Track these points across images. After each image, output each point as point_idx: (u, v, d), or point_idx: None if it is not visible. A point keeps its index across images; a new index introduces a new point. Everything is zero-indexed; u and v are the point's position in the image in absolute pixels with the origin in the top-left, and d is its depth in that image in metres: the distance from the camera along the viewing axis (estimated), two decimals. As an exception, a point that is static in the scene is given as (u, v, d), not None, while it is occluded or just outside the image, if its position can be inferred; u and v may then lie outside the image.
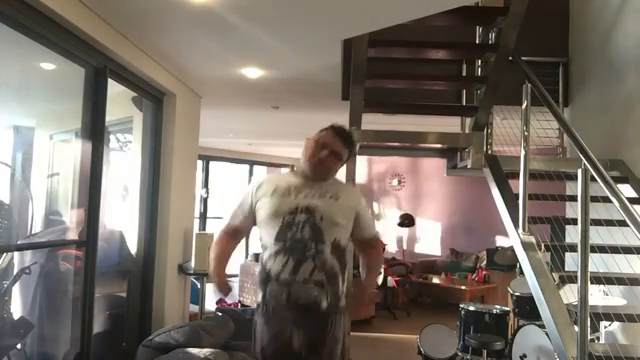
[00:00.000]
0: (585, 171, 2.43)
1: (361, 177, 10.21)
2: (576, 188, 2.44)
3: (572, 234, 2.86)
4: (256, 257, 7.70)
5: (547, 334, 3.22)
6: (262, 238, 2.28)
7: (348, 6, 2.85)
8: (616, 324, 3.12)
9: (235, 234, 2.42)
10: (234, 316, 5.22)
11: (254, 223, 2.35)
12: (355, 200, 2.37)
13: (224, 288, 2.33)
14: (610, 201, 2.45)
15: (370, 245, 2.51)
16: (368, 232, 2.45)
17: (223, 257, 2.36)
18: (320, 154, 2.26)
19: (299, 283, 2.15)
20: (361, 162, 9.78)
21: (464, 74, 4.30)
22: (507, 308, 4.47)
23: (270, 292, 2.20)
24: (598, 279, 2.81)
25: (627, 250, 2.79)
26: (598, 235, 2.83)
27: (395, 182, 10.02)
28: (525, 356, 3.87)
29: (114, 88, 3.48)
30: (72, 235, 3.44)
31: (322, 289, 2.18)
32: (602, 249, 2.76)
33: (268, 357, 2.23)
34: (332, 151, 2.27)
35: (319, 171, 2.29)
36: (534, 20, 3.64)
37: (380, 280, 7.33)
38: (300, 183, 2.28)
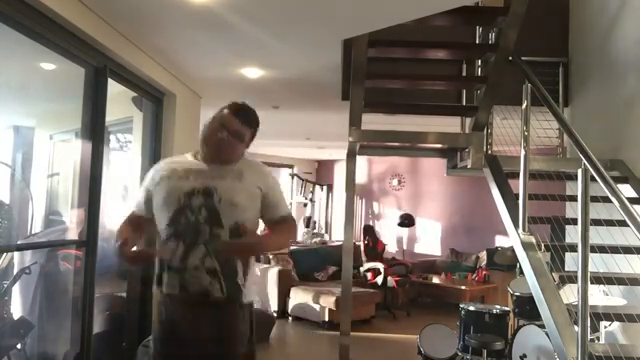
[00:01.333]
0: (585, 171, 2.43)
1: (361, 177, 10.22)
2: (576, 188, 2.44)
3: (572, 234, 2.86)
4: (256, 257, 7.68)
5: (547, 334, 3.22)
6: (157, 223, 2.10)
7: (348, 6, 2.85)
8: (616, 324, 3.12)
9: (136, 221, 2.22)
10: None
11: (151, 211, 2.16)
12: (261, 179, 2.15)
13: (135, 256, 2.11)
14: (610, 201, 2.45)
15: (280, 223, 2.20)
16: (278, 212, 2.18)
17: (127, 231, 2.15)
18: (218, 135, 2.08)
19: (190, 270, 1.98)
20: (361, 162, 9.79)
21: (464, 74, 4.30)
22: (507, 308, 4.47)
23: (164, 282, 2.04)
24: (598, 279, 2.81)
25: (627, 250, 2.79)
26: (598, 235, 2.83)
27: (395, 182, 10.02)
28: (525, 356, 3.87)
29: (114, 88, 3.48)
30: (72, 235, 3.44)
31: (214, 278, 1.98)
32: (602, 249, 2.76)
33: (160, 351, 2.07)
34: (231, 131, 2.09)
35: (218, 153, 2.10)
36: (534, 20, 3.64)
37: (380, 280, 7.34)
38: (200, 166, 2.11)
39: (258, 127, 2.27)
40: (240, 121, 2.14)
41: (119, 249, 2.04)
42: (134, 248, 2.11)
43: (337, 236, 10.49)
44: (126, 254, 2.03)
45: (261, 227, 2.24)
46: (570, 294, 2.76)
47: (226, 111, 2.15)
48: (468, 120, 4.14)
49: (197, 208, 2.01)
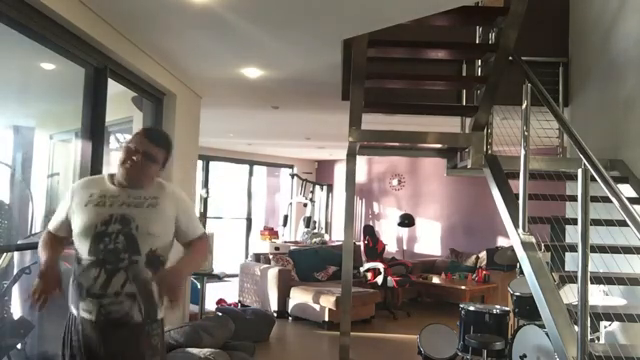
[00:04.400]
0: (585, 171, 2.43)
1: (361, 177, 10.22)
2: (576, 188, 2.44)
3: (572, 234, 2.86)
4: (257, 257, 7.70)
5: (547, 334, 3.22)
6: (76, 249, 2.13)
7: (348, 6, 2.85)
8: (616, 324, 3.12)
9: (57, 239, 2.25)
10: (234, 316, 5.23)
11: (69, 232, 2.19)
12: (175, 204, 2.23)
13: (49, 279, 2.10)
14: (610, 201, 2.45)
15: (193, 244, 2.31)
16: (191, 234, 2.29)
17: (51, 255, 2.18)
18: (131, 159, 2.12)
19: (110, 296, 2.03)
20: (361, 162, 9.79)
21: (464, 74, 4.30)
22: (507, 308, 4.47)
23: (82, 308, 2.07)
24: (598, 279, 2.81)
25: (627, 250, 2.79)
26: (598, 235, 2.83)
27: (395, 182, 10.02)
28: (525, 356, 3.87)
29: (114, 88, 3.48)
30: (72, 235, 3.44)
31: (134, 302, 2.06)
32: (602, 249, 2.76)
33: None
34: (144, 154, 2.13)
35: (133, 177, 2.14)
36: (534, 20, 3.65)
37: (380, 280, 7.34)
38: (116, 191, 2.15)
39: (171, 149, 2.30)
40: (152, 142, 2.18)
41: (44, 272, 2.10)
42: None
43: (337, 236, 10.49)
44: (45, 277, 2.09)
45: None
46: (570, 294, 2.76)
47: (139, 135, 2.22)
48: (468, 120, 4.14)
49: (114, 235, 2.07)
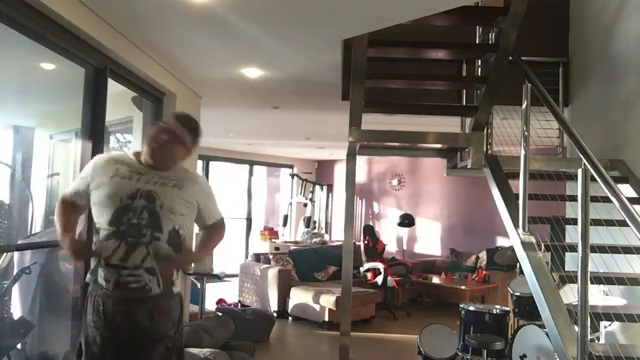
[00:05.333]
0: (585, 171, 2.43)
1: (361, 177, 10.22)
2: (576, 188, 2.44)
3: (572, 234, 2.86)
4: (257, 257, 7.70)
5: (547, 334, 3.22)
6: (96, 219, 2.16)
7: (348, 6, 2.85)
8: (616, 324, 3.12)
9: (73, 206, 2.29)
10: (234, 316, 5.23)
11: (88, 202, 2.24)
12: (197, 190, 2.30)
13: (77, 247, 2.19)
14: (610, 201, 2.45)
15: (212, 228, 2.43)
16: (211, 219, 2.40)
17: (68, 220, 2.24)
18: (160, 138, 2.19)
19: (129, 269, 2.08)
20: (361, 162, 9.79)
21: (464, 74, 4.30)
22: (507, 308, 4.47)
23: (100, 276, 2.11)
24: (598, 279, 2.81)
25: (627, 250, 2.79)
26: (598, 235, 2.83)
27: (395, 182, 10.02)
28: (525, 356, 3.87)
29: (114, 88, 3.49)
30: (72, 235, 3.44)
31: (153, 276, 2.11)
32: (602, 249, 2.76)
33: (95, 343, 2.13)
34: (174, 135, 2.20)
35: (160, 157, 2.21)
36: (534, 20, 3.64)
37: (380, 280, 7.34)
38: (143, 169, 2.20)
39: (199, 135, 2.36)
40: (181, 124, 2.25)
41: (67, 242, 2.15)
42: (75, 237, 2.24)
43: (337, 236, 10.49)
44: (73, 246, 2.16)
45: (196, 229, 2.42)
46: (570, 294, 2.76)
47: (171, 118, 2.30)
48: (468, 120, 4.14)
49: (139, 210, 2.11)
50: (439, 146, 4.64)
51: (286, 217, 10.71)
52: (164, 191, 2.17)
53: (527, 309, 4.18)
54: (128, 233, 2.09)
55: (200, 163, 9.28)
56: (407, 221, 8.87)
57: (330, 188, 11.24)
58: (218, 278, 5.71)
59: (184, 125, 2.26)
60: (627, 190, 3.37)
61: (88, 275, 2.19)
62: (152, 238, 2.11)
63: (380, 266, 7.51)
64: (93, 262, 2.17)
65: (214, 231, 2.43)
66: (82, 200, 2.25)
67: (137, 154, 2.28)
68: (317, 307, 6.52)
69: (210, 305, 6.20)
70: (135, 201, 2.11)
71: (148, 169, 2.21)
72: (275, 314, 6.67)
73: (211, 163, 10.13)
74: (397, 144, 5.12)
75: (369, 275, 7.54)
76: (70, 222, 2.25)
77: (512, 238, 3.11)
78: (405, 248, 9.51)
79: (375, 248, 8.50)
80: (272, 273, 7.00)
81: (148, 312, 2.12)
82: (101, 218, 2.14)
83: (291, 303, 6.87)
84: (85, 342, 2.17)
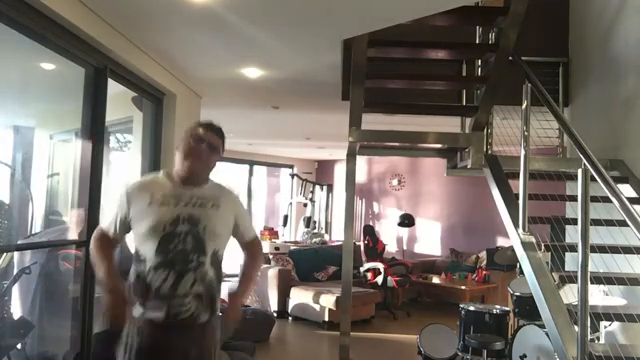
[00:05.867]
0: (585, 171, 2.43)
1: (361, 177, 10.22)
2: (576, 188, 2.43)
3: (572, 234, 2.86)
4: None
5: (547, 334, 3.22)
6: (139, 249, 2.12)
7: (348, 6, 2.85)
8: (616, 324, 3.12)
9: (111, 241, 2.24)
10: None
11: (128, 232, 2.21)
12: (235, 207, 2.30)
13: (115, 310, 2.10)
14: (610, 201, 2.44)
15: (250, 245, 2.42)
16: (247, 236, 2.38)
17: (112, 265, 2.18)
18: (199, 147, 2.15)
19: (179, 297, 2.05)
20: (361, 162, 9.79)
21: (464, 74, 4.30)
22: (507, 308, 4.47)
23: (149, 307, 2.07)
24: (598, 279, 2.81)
25: (627, 250, 2.79)
26: (598, 235, 2.82)
27: (395, 182, 10.02)
28: (525, 356, 3.87)
29: (114, 88, 3.48)
30: (72, 235, 3.45)
31: (201, 302, 2.10)
32: (602, 249, 2.76)
33: None
34: (208, 143, 2.17)
35: (198, 169, 2.17)
36: (534, 20, 3.64)
37: (380, 280, 7.34)
38: (177, 189, 2.15)
39: (225, 139, 2.33)
40: (214, 134, 2.23)
41: (109, 288, 2.10)
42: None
43: (337, 236, 10.49)
44: (114, 296, 2.09)
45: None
46: (570, 294, 2.76)
47: (199, 127, 2.23)
48: (468, 120, 4.14)
49: (183, 235, 2.08)
50: (439, 146, 4.64)
51: (286, 217, 10.71)
52: (205, 213, 2.13)
53: (527, 309, 4.18)
54: (176, 261, 2.06)
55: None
56: (407, 221, 8.87)
57: (330, 188, 11.23)
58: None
59: (216, 133, 2.23)
60: (627, 190, 3.37)
61: (136, 309, 2.11)
62: (198, 263, 2.09)
63: (380, 266, 7.51)
64: (138, 295, 2.10)
65: (252, 253, 2.43)
66: (119, 233, 2.20)
67: (168, 173, 2.23)
68: (317, 307, 6.52)
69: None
70: (178, 227, 2.08)
71: (182, 189, 2.15)
72: (275, 314, 6.68)
73: (211, 163, 10.12)
74: (397, 144, 5.12)
75: (369, 275, 7.54)
76: (112, 263, 2.18)
77: (512, 238, 3.11)
78: (405, 248, 9.51)
79: (375, 248, 8.50)
80: (272, 273, 7.00)
81: (194, 340, 2.11)
82: (144, 247, 2.09)
83: (291, 303, 6.87)
84: None
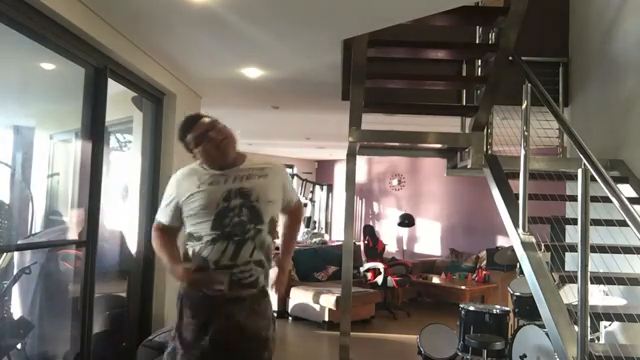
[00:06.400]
0: (585, 171, 2.43)
1: (361, 177, 10.22)
2: (576, 188, 2.43)
3: (572, 234, 2.86)
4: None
5: (547, 334, 3.22)
6: (193, 230, 2.19)
7: (348, 6, 2.85)
8: (616, 324, 3.12)
9: (170, 231, 2.34)
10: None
11: (181, 220, 2.27)
12: (281, 174, 2.39)
13: (184, 275, 2.19)
14: (610, 201, 2.45)
15: (294, 209, 2.51)
16: (293, 200, 2.47)
17: (172, 249, 2.28)
18: (210, 143, 2.19)
19: (241, 265, 2.14)
20: (361, 162, 9.79)
21: (464, 74, 4.30)
22: (507, 308, 4.47)
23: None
24: (598, 279, 2.81)
25: (627, 250, 2.79)
26: (598, 235, 2.83)
27: (395, 182, 10.02)
28: (525, 356, 3.87)
29: (114, 88, 3.48)
30: (72, 235, 3.44)
31: (262, 268, 2.20)
32: (602, 249, 2.76)
33: (206, 341, 2.13)
34: (214, 130, 2.21)
35: (222, 156, 2.22)
36: (534, 20, 3.64)
37: (380, 280, 7.34)
38: (219, 172, 2.23)
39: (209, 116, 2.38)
40: (204, 120, 2.26)
41: (180, 273, 2.18)
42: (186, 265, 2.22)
43: (337, 236, 10.49)
44: (188, 276, 2.17)
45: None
46: (570, 294, 2.76)
47: (205, 123, 2.25)
48: (468, 120, 4.14)
49: (237, 208, 2.15)
50: (439, 146, 4.64)
51: (286, 217, 10.70)
52: (254, 184, 2.21)
53: (527, 309, 4.18)
54: (234, 233, 2.13)
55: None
56: (407, 221, 8.87)
57: (330, 188, 11.23)
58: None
59: (201, 119, 2.27)
60: (627, 190, 3.37)
61: (181, 283, 2.21)
62: (256, 231, 2.17)
63: (380, 266, 7.51)
64: (197, 268, 2.17)
65: (296, 215, 2.54)
66: (176, 221, 2.28)
67: (202, 165, 2.28)
68: (317, 307, 6.52)
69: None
70: (231, 201, 2.15)
71: (222, 171, 2.23)
72: (275, 314, 6.67)
73: (211, 163, 10.12)
74: (397, 144, 5.11)
75: (369, 275, 7.54)
76: (174, 250, 2.28)
77: (512, 238, 3.11)
78: (405, 248, 9.51)
79: (375, 248, 8.50)
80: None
81: (255, 308, 2.18)
82: (200, 226, 2.16)
83: (291, 303, 6.87)
84: (183, 345, 2.17)
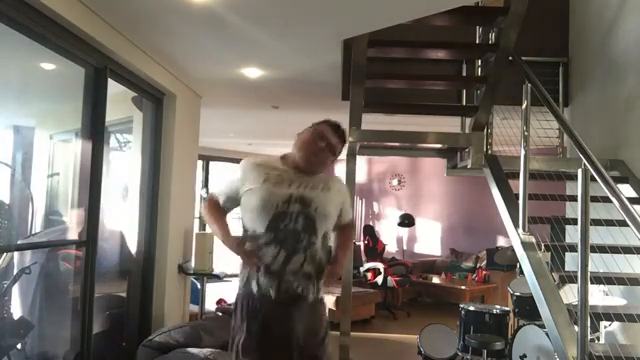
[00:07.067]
0: (585, 171, 2.43)
1: (361, 177, 10.22)
2: (576, 188, 2.44)
3: (572, 234, 2.86)
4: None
5: (547, 334, 3.22)
6: (248, 225, 2.20)
7: (348, 6, 2.85)
8: (616, 324, 3.12)
9: (222, 209, 2.33)
10: (234, 316, 5.22)
11: (237, 206, 2.27)
12: (344, 193, 2.38)
13: (249, 254, 2.16)
14: (610, 201, 2.45)
15: (346, 227, 2.48)
16: (347, 218, 2.45)
17: (224, 223, 2.27)
18: (317, 145, 2.21)
19: (289, 275, 2.12)
20: (361, 162, 9.78)
21: (464, 74, 4.30)
22: (507, 308, 4.47)
23: (261, 283, 2.13)
24: (598, 279, 2.81)
25: (627, 250, 2.79)
26: (598, 235, 2.83)
27: (395, 182, 10.02)
28: (525, 356, 3.87)
29: (114, 88, 3.48)
30: (72, 235, 3.44)
31: (309, 281, 2.16)
32: (602, 249, 2.76)
33: (253, 350, 2.13)
34: (329, 144, 2.23)
35: (312, 163, 2.23)
36: (534, 20, 3.64)
37: (380, 280, 7.34)
38: (292, 173, 2.22)
39: (346, 143, 2.39)
40: (338, 137, 2.28)
41: (235, 244, 2.18)
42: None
43: (337, 236, 10.47)
44: (242, 248, 2.17)
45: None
46: (570, 294, 2.76)
47: (325, 125, 2.29)
48: (468, 120, 4.14)
49: (294, 215, 2.13)
50: (439, 146, 4.64)
51: (286, 217, 10.69)
52: (316, 195, 2.19)
53: (527, 309, 4.18)
54: (286, 239, 2.12)
55: (200, 163, 9.28)
56: (407, 221, 8.87)
57: (330, 188, 11.22)
58: (218, 278, 5.69)
59: (339, 136, 2.28)
60: (627, 190, 3.37)
61: (250, 282, 2.18)
62: (309, 243, 2.14)
63: (380, 266, 7.51)
64: (244, 270, 2.20)
65: (348, 232, 2.50)
66: (229, 204, 2.28)
67: (284, 157, 2.30)
68: (317, 307, 6.51)
69: (210, 305, 6.20)
70: (290, 206, 2.13)
71: (297, 174, 2.22)
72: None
73: (211, 163, 10.13)
74: (397, 144, 5.12)
75: (369, 275, 7.54)
76: (225, 225, 2.27)
77: (512, 238, 3.11)
78: (405, 248, 9.51)
79: (375, 248, 8.50)
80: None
81: (307, 317, 2.17)
82: (255, 224, 2.16)
83: (291, 303, 6.85)
84: (241, 349, 2.16)
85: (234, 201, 2.26)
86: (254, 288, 2.14)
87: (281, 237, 2.11)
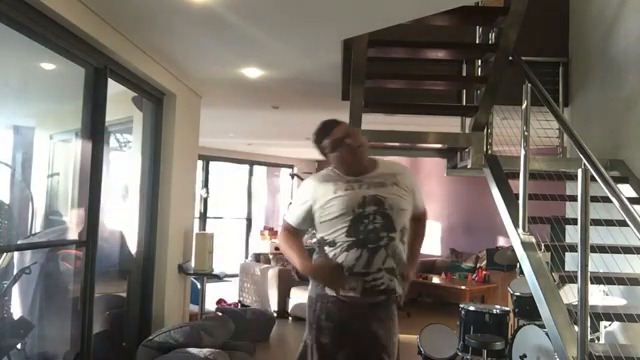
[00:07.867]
0: (585, 171, 2.43)
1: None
2: (576, 188, 2.43)
3: (572, 234, 2.86)
4: (257, 257, 7.69)
5: (547, 334, 3.22)
6: (327, 236, 2.26)
7: (348, 6, 2.85)
8: (616, 324, 3.12)
9: (298, 233, 2.44)
10: (234, 316, 5.23)
11: (311, 225, 2.36)
12: (411, 181, 2.38)
13: (330, 280, 2.23)
14: (610, 201, 2.44)
15: (420, 216, 2.50)
16: (420, 207, 2.46)
17: (301, 249, 2.35)
18: (345, 148, 2.24)
19: (373, 273, 2.19)
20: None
21: (464, 74, 4.29)
22: (507, 308, 4.47)
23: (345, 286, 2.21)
24: (598, 279, 2.81)
25: (627, 250, 2.79)
26: (598, 235, 2.82)
27: (395, 182, 10.00)
28: (525, 356, 3.87)
29: (114, 88, 3.48)
30: (72, 235, 3.44)
31: (393, 276, 2.24)
32: (602, 249, 2.76)
33: (343, 345, 2.22)
34: (346, 136, 2.27)
35: (358, 161, 2.28)
36: (534, 20, 3.64)
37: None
38: (352, 179, 2.28)
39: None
40: (340, 125, 2.32)
41: (312, 270, 2.30)
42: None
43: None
44: (321, 271, 2.27)
45: None
46: (570, 294, 2.76)
47: (328, 129, 2.31)
48: (468, 120, 4.14)
49: (372, 215, 2.20)
50: (439, 146, 4.63)
51: (286, 217, 10.69)
52: (387, 191, 2.25)
53: (527, 309, 4.18)
54: (368, 240, 2.18)
55: (200, 163, 9.28)
56: (407, 221, 8.86)
57: (330, 188, 11.22)
58: (218, 278, 5.70)
59: (341, 124, 2.31)
60: (627, 190, 3.37)
61: (314, 287, 2.30)
62: (389, 239, 2.20)
63: (380, 266, 7.50)
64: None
65: (422, 222, 2.52)
66: (305, 225, 2.38)
67: (333, 170, 2.34)
68: (317, 307, 6.51)
69: (210, 305, 6.20)
70: (366, 208, 2.20)
71: (357, 177, 2.28)
72: (275, 314, 6.67)
73: (211, 163, 10.13)
74: (397, 144, 5.11)
75: (369, 275, 7.52)
76: (302, 250, 2.35)
77: (512, 238, 3.11)
78: (405, 248, 9.50)
79: (375, 248, 8.48)
80: (272, 273, 6.99)
81: (383, 312, 2.28)
82: (335, 232, 2.22)
83: (291, 303, 6.86)
84: (320, 353, 2.25)
85: (309, 221, 2.34)
86: (333, 292, 2.22)
87: (362, 238, 2.18)
